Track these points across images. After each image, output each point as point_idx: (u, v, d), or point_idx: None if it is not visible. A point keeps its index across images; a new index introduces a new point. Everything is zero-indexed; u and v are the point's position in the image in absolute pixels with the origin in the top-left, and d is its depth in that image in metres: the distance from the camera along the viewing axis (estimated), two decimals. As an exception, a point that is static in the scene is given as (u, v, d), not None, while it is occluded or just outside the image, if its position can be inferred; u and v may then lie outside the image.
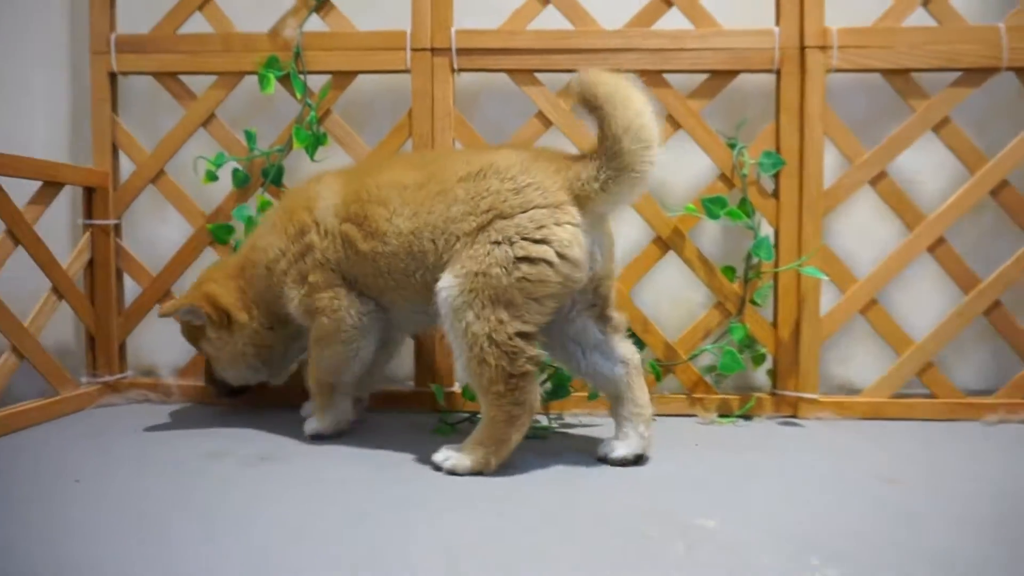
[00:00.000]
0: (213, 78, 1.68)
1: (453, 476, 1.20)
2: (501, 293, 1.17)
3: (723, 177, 1.61)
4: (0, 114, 1.62)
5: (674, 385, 1.66)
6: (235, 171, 1.67)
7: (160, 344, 1.80)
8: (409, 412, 1.65)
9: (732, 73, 1.60)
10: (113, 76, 1.70)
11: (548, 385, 1.54)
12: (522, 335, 1.18)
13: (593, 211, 1.22)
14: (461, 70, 1.62)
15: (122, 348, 1.75)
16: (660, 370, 1.61)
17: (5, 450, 1.33)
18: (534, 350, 1.19)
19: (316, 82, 1.66)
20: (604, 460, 1.28)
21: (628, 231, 1.76)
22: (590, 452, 1.33)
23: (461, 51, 1.60)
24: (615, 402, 1.32)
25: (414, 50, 1.61)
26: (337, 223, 1.35)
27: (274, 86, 1.62)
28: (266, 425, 1.52)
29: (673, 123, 1.61)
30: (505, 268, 1.17)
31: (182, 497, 1.10)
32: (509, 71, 1.62)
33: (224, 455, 1.31)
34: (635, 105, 1.16)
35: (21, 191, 1.49)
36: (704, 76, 1.61)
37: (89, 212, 1.70)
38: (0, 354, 1.47)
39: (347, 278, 1.37)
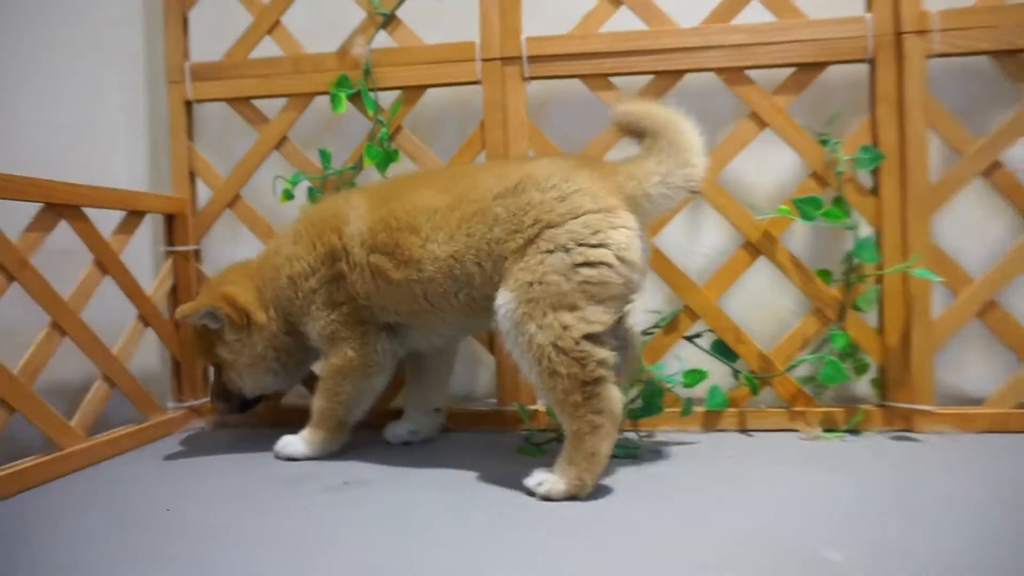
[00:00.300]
0: (283, 101, 1.69)
1: (547, 501, 1.14)
2: (562, 298, 1.14)
3: (815, 176, 1.51)
4: (84, 146, 1.65)
5: (770, 398, 1.56)
6: (310, 190, 1.67)
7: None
8: (491, 432, 1.60)
9: (820, 65, 1.50)
10: (188, 104, 1.72)
11: (638, 402, 1.47)
12: (589, 338, 1.14)
13: (646, 212, 1.22)
14: (532, 78, 1.57)
15: (205, 373, 1.76)
16: (756, 383, 1.51)
17: (100, 478, 1.34)
18: (604, 352, 1.14)
19: (384, 99, 1.65)
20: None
21: (711, 238, 1.68)
22: (686, 472, 1.25)
23: (532, 59, 1.56)
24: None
25: (484, 60, 1.57)
26: (365, 255, 1.32)
27: (346, 105, 1.60)
28: (362, 447, 1.48)
29: (758, 121, 1.52)
30: (564, 275, 1.14)
31: (266, 525, 1.07)
32: (582, 76, 1.56)
33: (306, 480, 1.28)
34: (685, 124, 1.24)
35: (105, 221, 1.51)
36: (790, 70, 1.52)
37: (170, 239, 1.72)
38: (91, 383, 1.49)
39: (382, 308, 1.35)
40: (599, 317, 1.15)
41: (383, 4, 1.61)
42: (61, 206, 1.38)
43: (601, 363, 1.14)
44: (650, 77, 1.56)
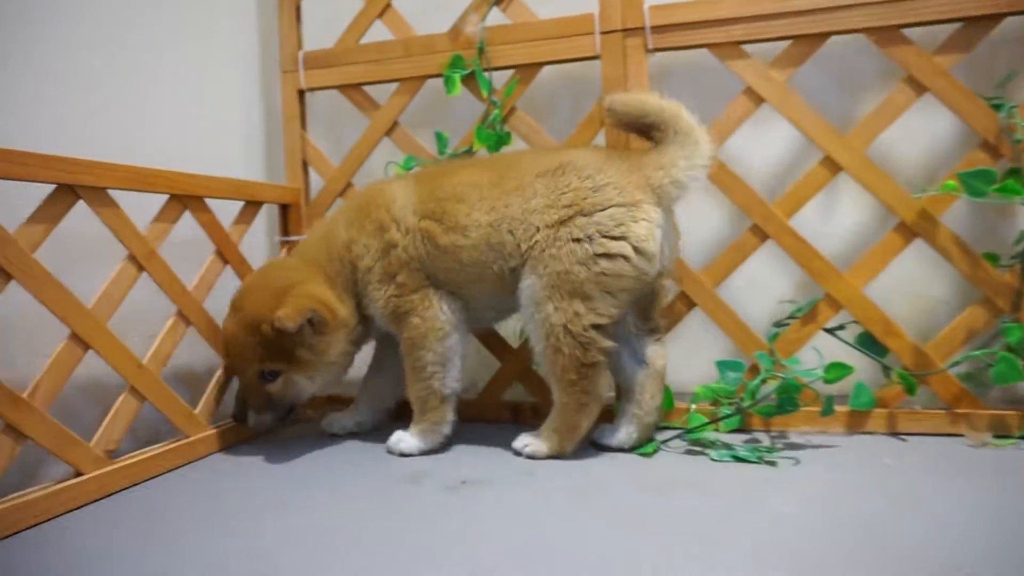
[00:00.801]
0: (394, 86, 1.65)
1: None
2: (579, 287, 1.25)
3: (986, 145, 1.33)
4: (203, 137, 1.67)
5: (924, 398, 1.39)
6: (424, 177, 1.63)
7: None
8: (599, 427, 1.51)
9: (995, 18, 1.31)
10: (301, 93, 1.72)
11: (772, 399, 1.34)
12: (596, 327, 1.26)
13: (672, 200, 1.30)
14: (656, 49, 1.46)
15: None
16: (913, 381, 1.35)
17: (220, 469, 1.35)
18: (605, 342, 1.27)
19: (497, 79, 1.58)
20: (595, 443, 1.38)
21: (848, 218, 1.53)
22: (838, 480, 1.12)
23: (656, 29, 1.45)
24: (624, 396, 1.38)
25: (603, 33, 1.48)
26: (416, 220, 1.37)
27: (460, 87, 1.55)
28: (471, 444, 1.44)
29: (915, 86, 1.35)
30: (585, 265, 1.24)
31: (386, 526, 1.03)
32: (711, 46, 1.44)
33: (424, 479, 1.24)
34: (684, 110, 1.31)
35: (222, 213, 1.52)
36: (955, 26, 1.34)
37: (285, 229, 1.72)
38: (213, 371, 1.50)
39: (430, 275, 1.37)
40: (608, 310, 1.26)
41: (495, -21, 1.54)
42: (186, 197, 1.40)
43: (602, 351, 1.27)
44: (787, 43, 1.42)
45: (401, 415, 1.52)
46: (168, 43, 1.58)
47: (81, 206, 1.19)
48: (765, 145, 1.59)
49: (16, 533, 1.04)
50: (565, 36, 1.50)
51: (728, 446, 1.32)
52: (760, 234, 1.45)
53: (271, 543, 0.98)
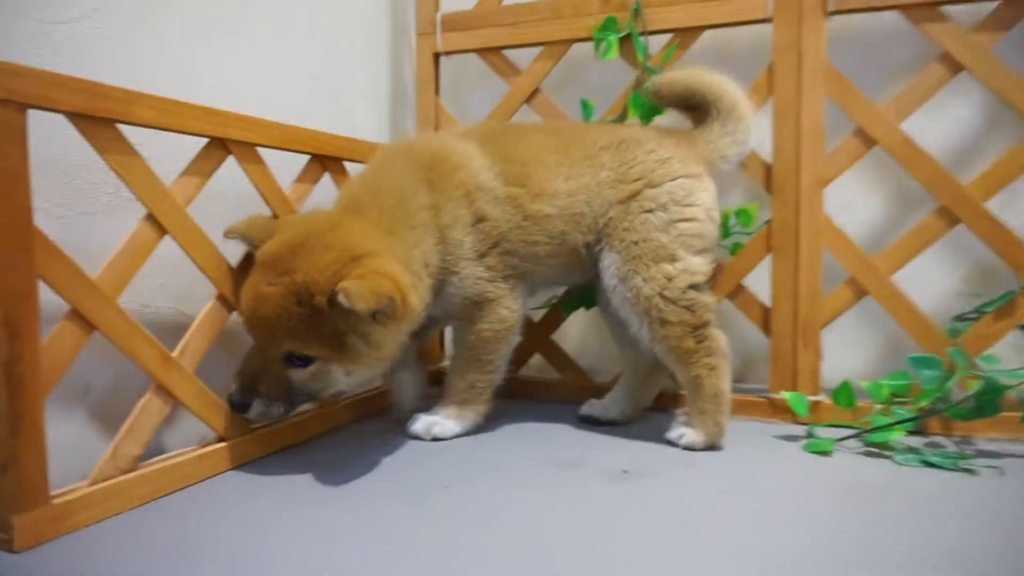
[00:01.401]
0: (532, 51, 1.55)
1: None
2: (662, 251, 1.22)
3: None
4: (329, 99, 1.60)
5: None
6: (564, 148, 1.52)
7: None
8: (754, 420, 1.41)
9: None
10: (436, 57, 1.63)
11: (969, 401, 1.19)
12: (693, 287, 1.23)
13: (719, 173, 1.33)
14: (837, 12, 1.32)
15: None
16: None
17: (373, 448, 1.28)
18: (708, 298, 1.24)
19: (650, 44, 1.46)
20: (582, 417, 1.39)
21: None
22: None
23: (839, -12, 1.31)
24: (630, 372, 1.40)
25: (778, -7, 1.35)
26: (502, 187, 1.25)
27: (616, 50, 1.44)
28: (618, 430, 1.34)
29: None
30: (663, 231, 1.23)
31: (541, 511, 0.94)
32: (904, 7, 1.29)
33: (580, 465, 1.14)
34: (732, 84, 1.33)
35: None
36: None
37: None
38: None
39: (512, 254, 1.26)
40: (700, 267, 1.24)
41: (656, -65, 1.43)
42: (326, 158, 1.33)
43: (707, 308, 1.23)
44: (992, 4, 1.26)
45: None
46: (296, 2, 1.51)
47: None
48: (948, 120, 1.44)
49: (162, 497, 0.98)
50: (732, -3, 1.38)
51: (913, 450, 1.19)
52: (949, 218, 1.30)
53: (437, 523, 0.90)
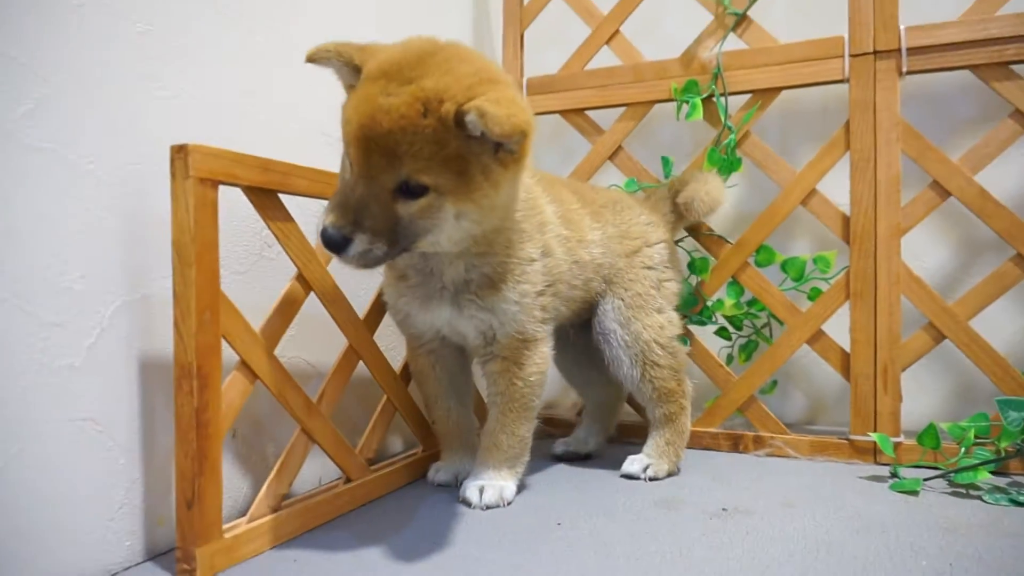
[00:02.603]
0: (614, 111, 1.66)
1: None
2: (655, 303, 1.39)
3: None
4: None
5: None
6: (648, 200, 1.63)
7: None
8: (844, 462, 1.46)
9: None
10: (521, 118, 1.75)
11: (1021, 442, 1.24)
12: (675, 337, 1.40)
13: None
14: (911, 72, 1.41)
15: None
16: None
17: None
18: (684, 347, 1.44)
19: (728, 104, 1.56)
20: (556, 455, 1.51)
21: None
22: None
23: (912, 50, 1.40)
24: (599, 409, 1.55)
25: (853, 56, 1.44)
26: (560, 226, 1.25)
27: (701, 111, 1.54)
28: (702, 470, 1.40)
29: None
30: (655, 287, 1.40)
31: (665, 549, 1.00)
32: (974, 67, 1.37)
33: (679, 504, 1.20)
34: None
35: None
36: None
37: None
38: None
39: (559, 296, 1.24)
40: (678, 321, 1.43)
41: (733, 3, 1.53)
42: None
43: (684, 355, 1.43)
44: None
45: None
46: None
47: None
48: (1013, 175, 1.51)
49: (305, 532, 1.07)
50: (810, 60, 1.47)
51: (1002, 489, 1.23)
52: (1024, 265, 1.36)
53: (548, 561, 0.97)
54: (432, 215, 0.96)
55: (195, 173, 0.88)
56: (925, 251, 1.64)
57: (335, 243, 0.91)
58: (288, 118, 1.24)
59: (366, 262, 0.94)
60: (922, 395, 1.64)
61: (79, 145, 0.89)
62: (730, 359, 1.67)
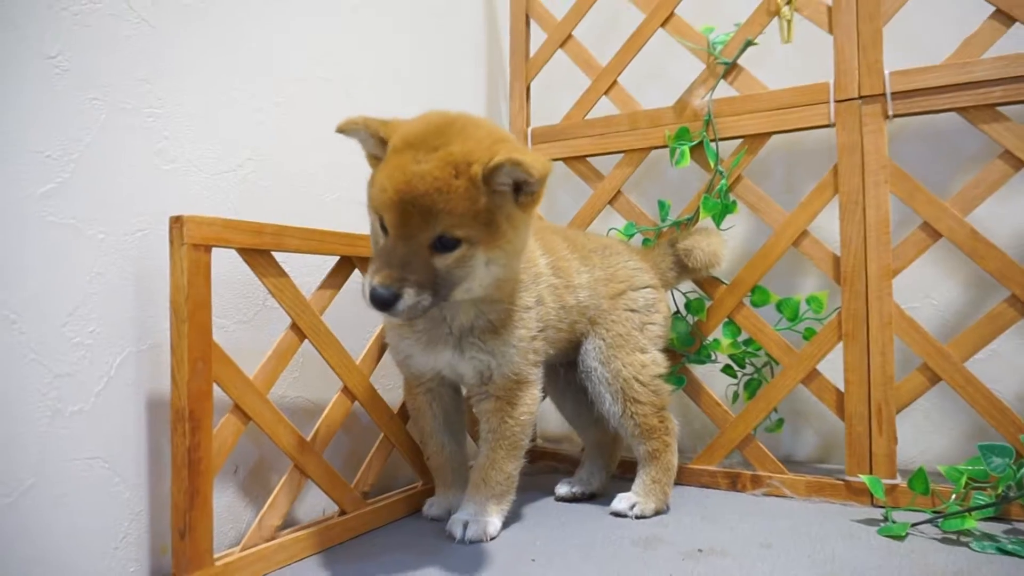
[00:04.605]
0: (614, 157, 1.73)
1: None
2: (637, 343, 1.44)
3: None
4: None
5: None
6: (645, 241, 1.69)
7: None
8: (826, 502, 1.47)
9: None
10: (528, 165, 1.84)
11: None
12: (659, 376, 1.45)
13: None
14: (898, 115, 1.43)
15: (533, 420, 1.83)
16: None
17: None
18: (668, 386, 1.47)
19: (719, 150, 1.61)
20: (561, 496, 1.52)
21: None
22: None
23: (897, 95, 1.42)
24: (597, 449, 1.58)
25: (838, 101, 1.47)
26: (550, 275, 1.33)
27: (689, 159, 1.59)
28: (692, 509, 1.43)
29: None
30: (639, 329, 1.45)
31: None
32: (961, 109, 1.38)
33: (658, 544, 1.24)
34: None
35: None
36: None
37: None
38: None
39: (547, 340, 1.32)
40: (663, 361, 1.48)
41: (724, 53, 1.58)
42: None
43: (668, 393, 1.46)
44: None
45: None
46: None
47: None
48: (1012, 212, 1.50)
49: (295, 562, 1.17)
50: (797, 106, 1.51)
51: (990, 536, 1.22)
52: (1019, 306, 1.35)
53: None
54: (466, 264, 1.07)
55: (189, 240, 1.00)
56: (933, 289, 1.63)
57: (385, 300, 1.01)
58: (289, 182, 1.37)
59: (414, 313, 1.04)
60: (933, 436, 1.63)
61: (93, 219, 1.02)
62: (736, 397, 1.69)
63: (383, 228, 1.06)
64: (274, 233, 1.14)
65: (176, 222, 1.01)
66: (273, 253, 1.15)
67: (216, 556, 1.06)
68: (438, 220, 1.02)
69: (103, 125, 1.04)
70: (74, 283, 1.00)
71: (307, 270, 1.33)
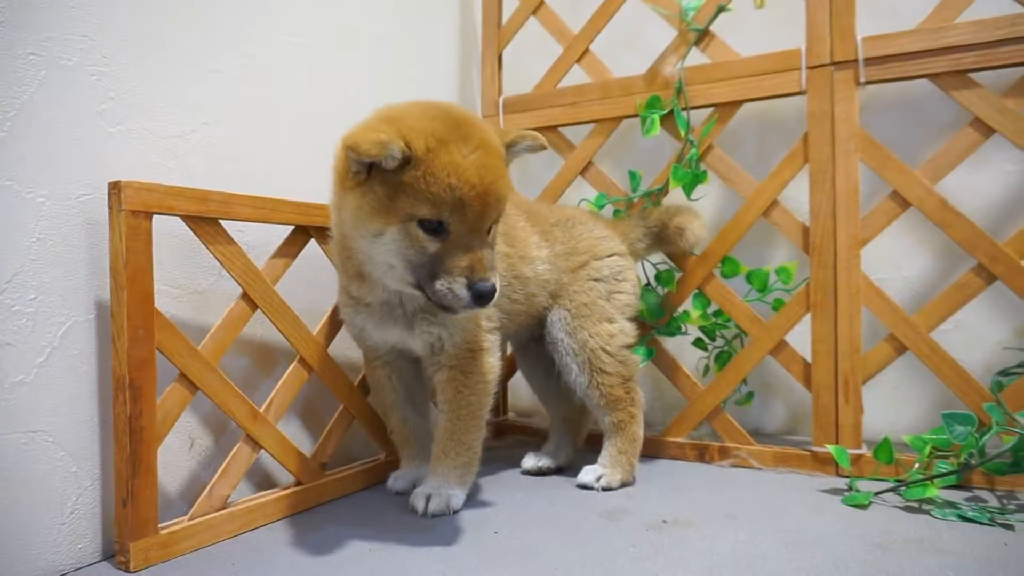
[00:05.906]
0: (586, 127, 1.70)
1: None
2: (604, 313, 1.43)
3: None
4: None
5: None
6: (616, 212, 1.66)
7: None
8: (793, 472, 1.46)
9: None
10: (499, 135, 1.81)
11: (1008, 455, 1.20)
12: (626, 346, 1.44)
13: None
14: (870, 82, 1.40)
15: (505, 390, 1.82)
16: None
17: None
18: (636, 357, 1.47)
19: (693, 118, 1.57)
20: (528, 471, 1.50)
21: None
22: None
23: (869, 61, 1.38)
24: (564, 424, 1.57)
25: (810, 68, 1.43)
26: (501, 243, 1.29)
27: (659, 127, 1.56)
28: (660, 480, 1.43)
29: None
30: (605, 298, 1.45)
31: (600, 560, 1.03)
32: (933, 76, 1.35)
33: (622, 515, 1.23)
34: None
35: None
36: None
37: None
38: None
39: (502, 309, 1.33)
40: (631, 331, 1.47)
41: (696, 20, 1.55)
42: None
43: (635, 364, 1.45)
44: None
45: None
46: (371, 92, 1.69)
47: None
48: (983, 181, 1.48)
49: (248, 531, 1.16)
50: (769, 72, 1.47)
51: (951, 504, 1.21)
52: (986, 275, 1.33)
53: (470, 569, 1.01)
54: (493, 241, 1.12)
55: (128, 206, 0.98)
56: (902, 260, 1.62)
57: (488, 293, 1.04)
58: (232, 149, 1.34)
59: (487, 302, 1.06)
60: (899, 406, 1.62)
61: (33, 181, 0.99)
62: (707, 369, 1.68)
63: (439, 227, 1.03)
64: (221, 201, 1.12)
65: (114, 188, 0.99)
66: (222, 222, 1.13)
67: (162, 525, 1.05)
68: (501, 204, 1.08)
69: (42, 81, 1.01)
70: (13, 248, 0.97)
71: (269, 239, 1.30)
